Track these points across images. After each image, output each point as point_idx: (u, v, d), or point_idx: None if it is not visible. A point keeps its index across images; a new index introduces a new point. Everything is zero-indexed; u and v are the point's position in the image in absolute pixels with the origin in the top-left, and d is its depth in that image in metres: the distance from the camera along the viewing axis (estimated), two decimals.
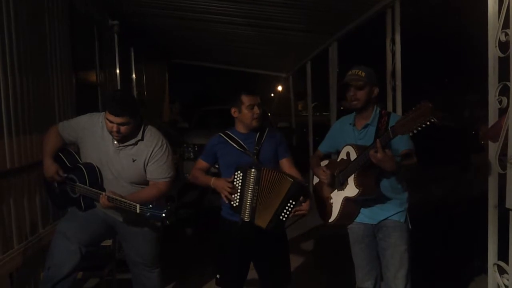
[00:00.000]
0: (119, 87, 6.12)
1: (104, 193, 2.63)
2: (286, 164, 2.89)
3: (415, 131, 2.08)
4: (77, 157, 2.92)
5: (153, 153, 2.77)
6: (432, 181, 7.98)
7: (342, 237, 2.88)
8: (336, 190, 2.69)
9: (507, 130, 2.42)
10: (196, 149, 8.02)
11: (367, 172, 2.47)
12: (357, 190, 2.49)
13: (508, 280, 2.52)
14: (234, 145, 2.80)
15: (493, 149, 2.57)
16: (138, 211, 2.48)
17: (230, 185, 2.70)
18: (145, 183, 2.83)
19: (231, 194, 2.71)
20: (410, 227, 2.66)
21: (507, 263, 2.52)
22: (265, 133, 2.87)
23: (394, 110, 4.13)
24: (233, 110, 2.84)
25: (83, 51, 5.10)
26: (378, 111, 2.65)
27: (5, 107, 3.06)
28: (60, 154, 2.91)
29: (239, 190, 2.70)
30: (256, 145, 2.80)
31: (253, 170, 2.65)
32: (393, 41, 4.15)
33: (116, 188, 2.70)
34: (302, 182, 2.68)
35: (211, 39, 7.66)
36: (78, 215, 2.84)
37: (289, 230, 2.99)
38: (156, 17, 6.36)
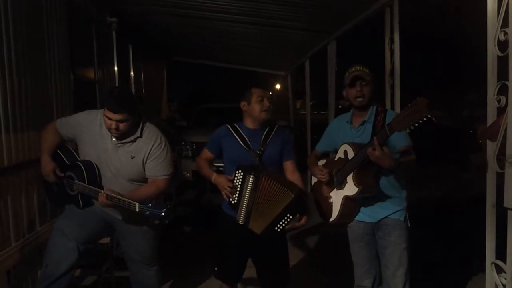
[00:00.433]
0: (117, 85, 6.11)
1: (102, 191, 2.62)
2: (289, 167, 2.88)
3: (412, 127, 2.08)
4: (76, 154, 2.91)
5: (152, 151, 2.76)
6: (431, 180, 8.00)
7: (342, 235, 2.88)
8: (335, 189, 2.68)
9: (506, 129, 2.42)
10: (194, 147, 8.03)
11: (366, 170, 2.47)
12: (357, 189, 2.49)
13: (505, 279, 2.52)
14: (239, 140, 2.79)
15: (491, 148, 2.57)
16: (137, 210, 2.47)
17: (231, 184, 2.71)
18: (144, 180, 2.82)
19: (230, 193, 2.71)
20: (409, 225, 2.66)
21: (505, 262, 2.52)
22: (273, 131, 2.85)
23: (393, 108, 4.12)
24: (242, 103, 2.84)
25: (81, 49, 5.09)
26: (374, 109, 2.65)
27: (2, 104, 3.05)
28: (59, 151, 2.90)
29: (238, 189, 2.71)
30: (261, 145, 2.78)
31: (252, 176, 2.64)
32: (391, 40, 4.14)
33: (115, 185, 2.69)
34: (303, 197, 2.65)
35: (210, 37, 7.65)
36: (76, 213, 2.83)
37: None
38: (155, 15, 6.34)
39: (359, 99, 2.60)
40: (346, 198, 2.59)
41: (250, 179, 2.65)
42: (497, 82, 2.54)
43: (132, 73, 7.54)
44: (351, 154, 2.52)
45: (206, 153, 2.94)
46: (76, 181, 2.73)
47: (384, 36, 4.26)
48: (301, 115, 15.42)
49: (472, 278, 3.93)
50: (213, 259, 2.99)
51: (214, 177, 2.80)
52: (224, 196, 2.76)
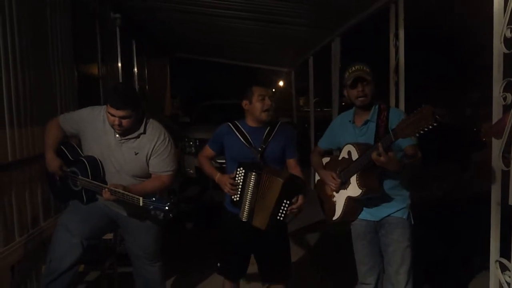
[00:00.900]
0: (121, 81, 6.11)
1: (106, 186, 2.62)
2: (291, 165, 2.88)
3: (417, 134, 2.06)
4: (79, 150, 2.91)
5: (155, 147, 2.76)
6: (433, 179, 7.97)
7: (344, 233, 2.88)
8: (339, 188, 2.67)
9: (511, 127, 2.41)
10: (197, 143, 8.03)
11: (370, 172, 2.46)
12: (360, 191, 2.48)
13: (510, 277, 2.51)
14: (240, 137, 2.78)
15: (496, 146, 2.56)
16: (141, 204, 2.48)
17: (232, 181, 2.71)
18: (148, 176, 2.82)
19: (232, 190, 2.71)
20: (412, 223, 2.65)
21: (509, 260, 2.51)
22: (275, 129, 2.83)
23: (397, 106, 4.11)
24: (244, 102, 2.82)
25: (85, 45, 5.09)
26: (377, 107, 2.63)
27: (7, 100, 3.05)
28: (62, 147, 2.91)
29: (240, 187, 2.71)
30: (263, 142, 2.77)
31: (253, 173, 2.64)
32: (396, 37, 4.12)
33: (118, 181, 2.69)
34: (294, 180, 2.66)
35: (213, 33, 7.64)
36: (80, 208, 2.84)
37: (290, 225, 2.99)
38: (158, 11, 6.34)
39: (361, 99, 2.58)
40: (349, 199, 2.58)
41: (252, 176, 2.65)
42: (503, 79, 2.53)
43: (135, 69, 7.54)
44: (355, 155, 2.51)
45: (208, 150, 2.94)
46: (80, 176, 2.73)
47: (388, 33, 4.24)
48: (304, 112, 15.41)
49: (475, 276, 3.92)
50: (215, 255, 3.00)
51: (218, 176, 2.80)
52: (227, 192, 2.76)
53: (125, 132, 2.72)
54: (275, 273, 2.94)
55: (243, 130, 2.81)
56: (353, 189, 2.53)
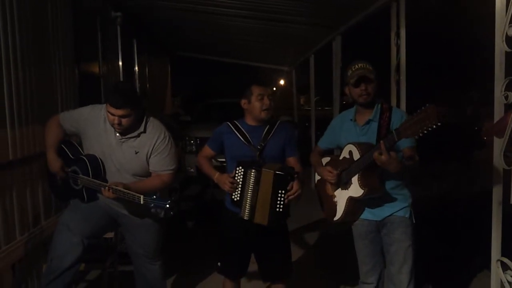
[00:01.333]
0: (121, 79, 6.11)
1: (107, 185, 2.62)
2: (291, 162, 2.87)
3: (420, 134, 2.05)
4: (79, 148, 2.91)
5: (155, 146, 2.76)
6: (434, 177, 7.97)
7: (345, 232, 2.87)
8: (339, 188, 2.67)
9: None
10: (198, 142, 8.04)
11: (372, 172, 2.45)
12: (362, 191, 2.47)
13: (511, 276, 2.51)
14: (239, 136, 2.78)
15: (498, 145, 2.55)
16: (142, 202, 2.47)
17: (231, 180, 2.71)
18: (148, 175, 2.82)
19: (232, 189, 2.71)
20: (414, 222, 2.65)
21: (510, 259, 2.51)
22: (274, 128, 2.83)
23: (398, 104, 4.10)
24: (243, 101, 2.82)
25: (86, 43, 5.08)
26: (379, 106, 2.62)
27: (7, 98, 3.04)
28: (63, 146, 2.91)
29: (240, 186, 2.71)
30: (262, 140, 2.77)
31: (253, 170, 2.65)
32: (398, 35, 4.11)
33: (119, 180, 2.69)
34: (283, 169, 2.66)
35: (214, 32, 7.63)
36: (81, 207, 2.84)
37: (290, 224, 2.99)
38: (159, 9, 6.33)
39: (364, 97, 2.57)
40: (351, 199, 2.58)
41: (252, 173, 2.66)
42: (505, 78, 2.52)
43: (136, 68, 7.53)
44: (356, 155, 2.50)
45: (207, 150, 2.94)
46: (80, 175, 2.73)
47: (389, 31, 4.23)
48: (305, 110, 15.40)
49: (477, 275, 3.92)
50: (216, 254, 3.00)
51: (217, 176, 2.80)
52: (227, 191, 2.77)
53: (125, 131, 2.72)
54: (275, 272, 2.94)
55: (242, 129, 2.81)
56: (355, 189, 2.52)
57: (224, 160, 2.93)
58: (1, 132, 2.99)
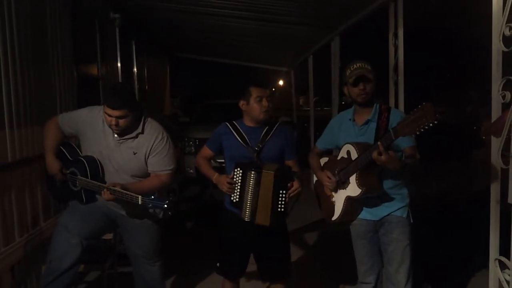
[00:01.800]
0: (120, 81, 6.11)
1: (105, 186, 2.62)
2: (290, 165, 2.87)
3: (417, 132, 2.05)
4: (78, 150, 2.91)
5: (153, 146, 2.76)
6: (432, 176, 7.97)
7: (344, 232, 2.88)
8: (337, 188, 2.67)
9: (510, 125, 2.41)
10: (197, 143, 8.04)
11: (369, 171, 2.45)
12: (360, 190, 2.48)
13: (509, 275, 2.51)
14: (238, 137, 2.79)
15: (495, 144, 2.56)
16: (140, 202, 2.48)
17: (230, 181, 2.71)
18: (147, 175, 2.82)
19: (230, 190, 2.72)
20: (412, 221, 2.66)
21: (508, 258, 2.51)
22: (273, 129, 2.82)
23: (396, 105, 4.11)
24: (241, 102, 2.82)
25: (85, 44, 5.08)
26: (377, 106, 2.63)
27: (6, 100, 3.05)
28: (61, 148, 2.91)
29: (239, 187, 2.71)
30: (260, 142, 2.77)
31: (253, 172, 2.65)
32: (396, 36, 4.12)
33: (117, 181, 2.69)
34: (282, 169, 2.67)
35: (213, 33, 7.63)
36: (80, 208, 2.84)
37: (290, 224, 3.00)
38: (158, 11, 6.34)
39: (363, 96, 2.57)
40: (349, 198, 2.58)
41: (252, 175, 2.65)
42: (502, 77, 2.53)
43: (135, 69, 7.54)
44: (354, 155, 2.50)
45: (206, 151, 2.94)
46: (79, 176, 2.74)
47: (388, 32, 4.24)
48: (304, 111, 15.41)
49: (475, 274, 3.92)
50: (215, 254, 3.00)
51: (215, 177, 2.81)
52: (225, 191, 2.77)
53: (123, 132, 2.73)
54: (275, 272, 2.95)
55: (241, 130, 2.81)
56: (353, 189, 2.53)
57: (223, 161, 2.94)
58: (0, 133, 2.99)
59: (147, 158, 2.77)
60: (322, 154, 2.94)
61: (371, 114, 2.60)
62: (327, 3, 4.99)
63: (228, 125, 2.86)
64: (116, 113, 2.60)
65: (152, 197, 2.47)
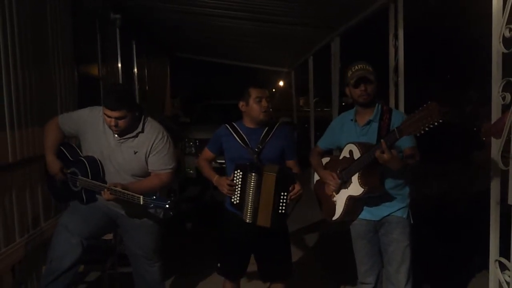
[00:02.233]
0: (121, 81, 6.12)
1: (106, 186, 2.63)
2: (290, 165, 2.88)
3: (422, 132, 2.06)
4: (78, 150, 2.92)
5: (154, 145, 2.77)
6: (432, 178, 7.97)
7: (345, 232, 2.88)
8: (339, 188, 2.68)
9: (510, 127, 2.41)
10: (197, 143, 8.05)
11: (372, 170, 2.46)
12: (362, 189, 2.48)
13: (509, 276, 2.52)
14: (237, 139, 2.79)
15: (495, 145, 2.56)
16: (141, 203, 2.48)
17: (230, 183, 2.72)
18: (147, 175, 2.83)
19: (231, 192, 2.73)
20: (412, 222, 2.66)
21: (508, 259, 2.51)
22: (273, 130, 2.82)
23: (397, 106, 4.11)
24: (241, 104, 2.82)
25: (85, 45, 5.09)
26: (379, 107, 2.63)
27: (7, 100, 3.05)
28: (62, 148, 2.92)
29: (239, 189, 2.72)
30: (260, 143, 2.77)
31: (254, 174, 2.65)
32: (396, 37, 4.12)
33: (118, 181, 2.70)
34: (284, 170, 2.69)
35: (213, 33, 7.64)
36: (80, 208, 2.84)
37: (291, 225, 3.00)
38: (158, 11, 6.34)
39: (364, 97, 2.58)
40: (350, 198, 2.58)
41: (253, 176, 2.65)
42: (502, 79, 2.53)
43: (135, 69, 7.54)
44: (357, 154, 2.51)
45: (207, 153, 2.95)
46: (79, 176, 2.74)
47: (388, 32, 4.24)
48: (304, 112, 15.42)
49: (475, 275, 3.92)
50: (215, 255, 3.00)
51: (216, 179, 2.81)
52: (226, 193, 2.78)
53: (123, 132, 2.73)
54: (275, 272, 2.95)
55: (240, 131, 2.81)
56: (355, 188, 2.54)
57: (223, 161, 2.94)
58: (0, 134, 2.99)
59: (148, 157, 2.78)
60: (323, 154, 2.94)
61: (373, 114, 2.61)
62: (327, 4, 4.99)
63: (228, 126, 2.86)
64: (115, 114, 2.61)
65: (154, 197, 2.47)
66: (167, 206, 2.44)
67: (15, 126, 3.14)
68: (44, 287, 2.79)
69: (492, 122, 2.60)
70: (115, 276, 3.55)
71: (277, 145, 2.81)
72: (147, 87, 8.69)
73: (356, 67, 2.60)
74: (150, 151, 2.77)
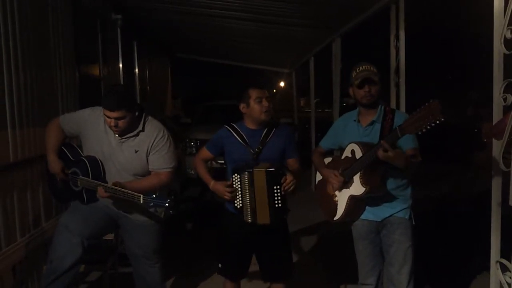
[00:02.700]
0: (122, 81, 6.12)
1: (106, 185, 2.63)
2: (291, 163, 2.88)
3: (424, 130, 2.06)
4: (79, 150, 2.92)
5: (154, 143, 2.77)
6: (434, 178, 7.97)
7: (346, 233, 2.88)
8: (341, 188, 2.67)
9: None
10: (198, 144, 8.04)
11: (374, 170, 2.46)
12: (364, 189, 2.48)
13: (510, 278, 2.51)
14: (239, 139, 2.79)
15: (497, 146, 2.56)
16: (141, 201, 2.49)
17: (229, 189, 2.73)
18: (148, 175, 2.83)
19: (232, 195, 2.73)
20: (413, 223, 2.66)
21: (509, 260, 2.51)
22: (273, 130, 2.83)
23: (398, 106, 4.11)
24: (241, 105, 2.82)
25: (87, 45, 5.10)
26: (382, 108, 2.64)
27: (8, 100, 3.06)
28: (63, 148, 2.92)
29: (239, 192, 2.72)
30: (260, 143, 2.78)
31: (246, 173, 2.67)
32: (397, 37, 4.12)
33: (119, 181, 2.70)
34: (273, 164, 2.69)
35: (214, 34, 7.65)
36: (81, 208, 2.85)
37: (291, 225, 3.00)
38: (159, 12, 6.35)
39: (368, 98, 2.59)
40: (352, 198, 2.58)
41: (245, 176, 2.67)
42: (503, 80, 2.53)
43: (136, 70, 7.55)
44: (359, 154, 2.51)
45: (205, 153, 2.93)
46: (80, 176, 2.74)
47: (389, 33, 4.24)
48: (305, 112, 15.42)
49: (476, 276, 3.92)
50: (215, 255, 3.00)
51: (212, 184, 2.81)
52: (229, 199, 2.77)
53: (124, 132, 2.74)
54: (276, 272, 2.95)
55: (241, 133, 2.82)
56: (356, 188, 2.54)
57: (224, 162, 2.94)
58: (2, 134, 3.00)
59: (148, 155, 2.78)
60: (325, 154, 2.95)
61: (376, 115, 2.62)
62: (328, 5, 5.00)
63: (229, 128, 2.86)
64: (114, 114, 2.61)
65: (154, 196, 2.48)
66: (166, 204, 2.44)
67: (17, 126, 3.15)
68: (45, 287, 2.79)
69: (493, 123, 2.60)
70: (116, 276, 3.55)
71: (277, 145, 2.82)
72: (148, 88, 8.69)
73: (361, 68, 2.60)
74: (150, 150, 2.78)
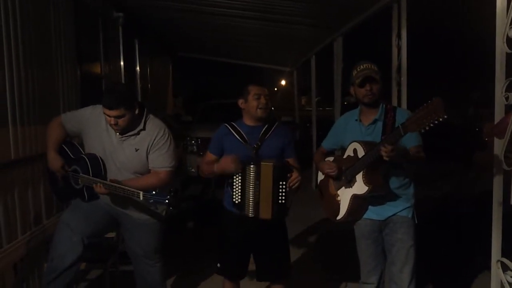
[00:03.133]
0: (123, 80, 6.12)
1: (107, 182, 2.63)
2: (290, 163, 2.87)
3: (427, 128, 2.05)
4: (80, 149, 2.92)
5: (155, 141, 2.77)
6: (435, 178, 7.97)
7: (346, 232, 2.88)
8: (343, 187, 2.67)
9: None
10: (199, 142, 8.04)
11: (376, 169, 2.46)
12: (367, 188, 2.48)
13: (511, 277, 2.52)
14: (237, 137, 2.80)
15: (498, 146, 2.56)
16: (141, 198, 2.49)
17: (235, 159, 2.68)
18: (149, 173, 2.83)
19: (238, 168, 2.68)
20: (416, 222, 2.66)
21: (511, 260, 2.51)
22: (273, 128, 2.84)
23: (399, 105, 4.11)
24: (240, 101, 2.85)
25: (88, 43, 5.10)
26: (383, 107, 2.63)
27: (10, 98, 3.06)
28: (63, 146, 2.92)
29: (239, 187, 2.72)
30: (259, 140, 2.79)
31: (252, 165, 2.67)
32: (399, 37, 4.12)
33: (120, 179, 2.70)
34: (280, 160, 2.72)
35: (216, 32, 7.64)
36: (82, 206, 2.85)
37: (291, 225, 3.00)
38: (161, 10, 6.34)
39: (369, 97, 2.58)
40: (355, 197, 2.58)
41: (251, 168, 2.67)
42: (505, 79, 2.52)
43: (138, 68, 7.55)
44: (361, 153, 2.50)
45: (209, 157, 2.91)
46: (81, 174, 2.74)
47: (391, 32, 4.24)
48: (306, 111, 15.41)
49: (477, 276, 3.92)
50: (216, 254, 3.00)
51: (216, 166, 2.78)
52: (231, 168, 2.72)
53: (124, 130, 2.73)
54: (274, 272, 2.94)
55: (240, 130, 2.83)
56: (359, 187, 2.53)
57: None
58: (3, 131, 3.00)
59: (148, 154, 2.78)
60: (328, 154, 2.94)
61: (378, 114, 2.62)
62: (330, 4, 4.99)
63: (228, 126, 2.87)
64: (113, 113, 2.61)
65: (153, 192, 2.48)
66: (166, 201, 2.44)
67: (18, 124, 3.15)
68: (46, 285, 2.79)
69: (495, 122, 2.60)
70: (116, 274, 3.55)
71: (276, 143, 2.83)
72: (149, 86, 8.70)
73: (362, 66, 2.60)
74: (150, 148, 2.77)
